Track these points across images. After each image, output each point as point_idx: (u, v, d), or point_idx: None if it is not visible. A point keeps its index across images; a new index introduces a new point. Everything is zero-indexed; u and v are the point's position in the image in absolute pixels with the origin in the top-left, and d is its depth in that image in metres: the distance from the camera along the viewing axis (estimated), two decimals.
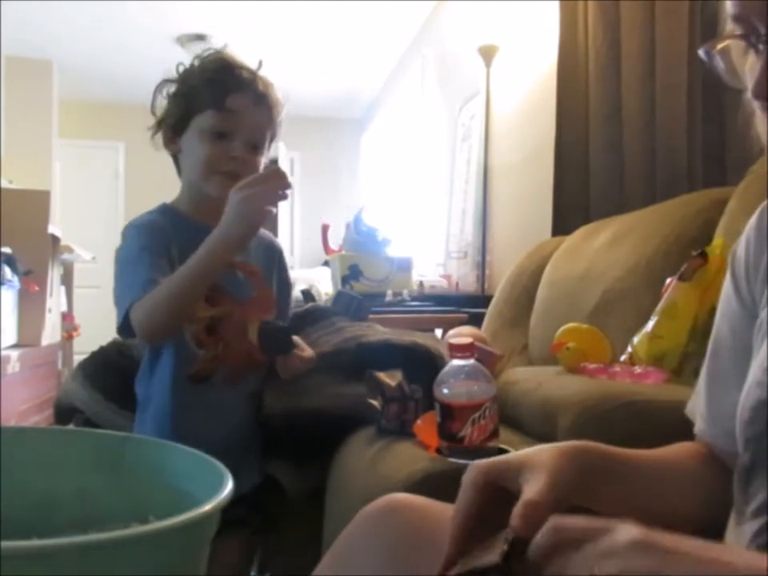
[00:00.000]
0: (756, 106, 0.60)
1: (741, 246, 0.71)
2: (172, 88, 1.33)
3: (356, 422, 1.38)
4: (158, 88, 1.35)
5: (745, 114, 0.64)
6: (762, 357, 0.62)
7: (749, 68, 0.60)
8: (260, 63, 1.31)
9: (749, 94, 0.59)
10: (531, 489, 0.53)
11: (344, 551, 0.70)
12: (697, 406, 0.75)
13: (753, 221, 0.70)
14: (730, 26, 0.60)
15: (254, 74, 1.29)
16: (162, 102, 1.34)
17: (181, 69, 1.34)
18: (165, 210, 1.33)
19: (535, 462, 0.56)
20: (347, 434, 1.39)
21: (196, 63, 1.33)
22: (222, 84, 1.27)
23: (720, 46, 0.61)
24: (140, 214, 1.34)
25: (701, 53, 0.62)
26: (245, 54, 1.32)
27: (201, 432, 1.24)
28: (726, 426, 0.66)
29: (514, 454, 0.59)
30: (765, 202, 0.70)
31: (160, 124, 1.33)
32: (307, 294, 2.89)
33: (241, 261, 1.31)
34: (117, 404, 1.44)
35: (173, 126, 1.30)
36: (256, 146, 1.29)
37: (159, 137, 1.33)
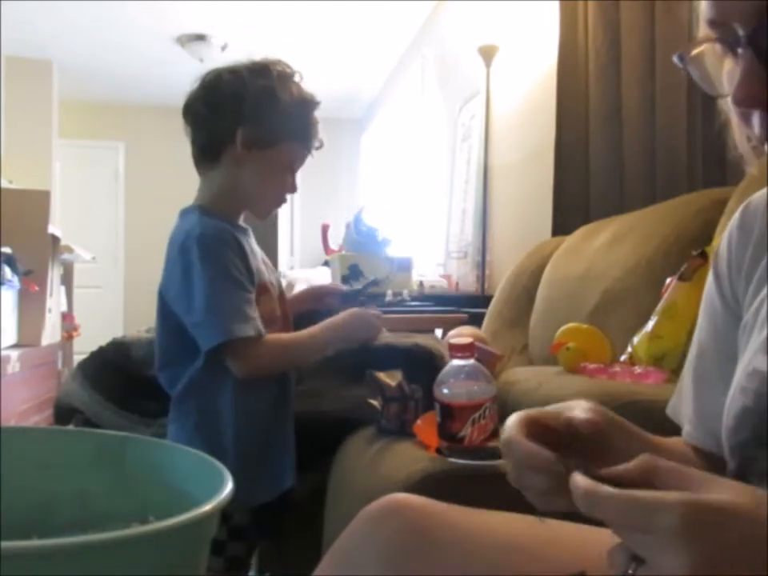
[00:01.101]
0: (734, 112, 0.58)
1: (723, 245, 0.70)
2: (264, 84, 1.25)
3: (357, 424, 1.38)
4: (247, 79, 1.26)
5: (719, 122, 0.63)
6: (745, 361, 0.61)
7: (726, 73, 0.58)
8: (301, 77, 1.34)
9: (729, 100, 0.56)
10: (579, 414, 0.58)
11: (344, 551, 0.70)
12: (683, 408, 0.74)
13: (735, 219, 0.69)
14: (705, 31, 0.58)
15: (316, 106, 1.33)
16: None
17: (271, 73, 1.28)
18: (211, 215, 1.27)
19: (571, 404, 0.60)
20: (348, 434, 1.39)
21: (288, 79, 1.29)
22: (311, 123, 1.31)
23: (695, 51, 0.59)
24: (190, 221, 1.25)
25: (675, 59, 0.60)
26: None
27: (281, 436, 1.31)
28: (713, 429, 0.66)
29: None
30: (746, 201, 0.69)
31: (243, 121, 1.24)
32: None
33: (264, 257, 1.38)
34: (116, 404, 1.44)
35: (261, 136, 1.25)
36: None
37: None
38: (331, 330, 1.31)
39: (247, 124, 1.24)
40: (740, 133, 0.60)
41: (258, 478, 1.24)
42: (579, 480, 0.45)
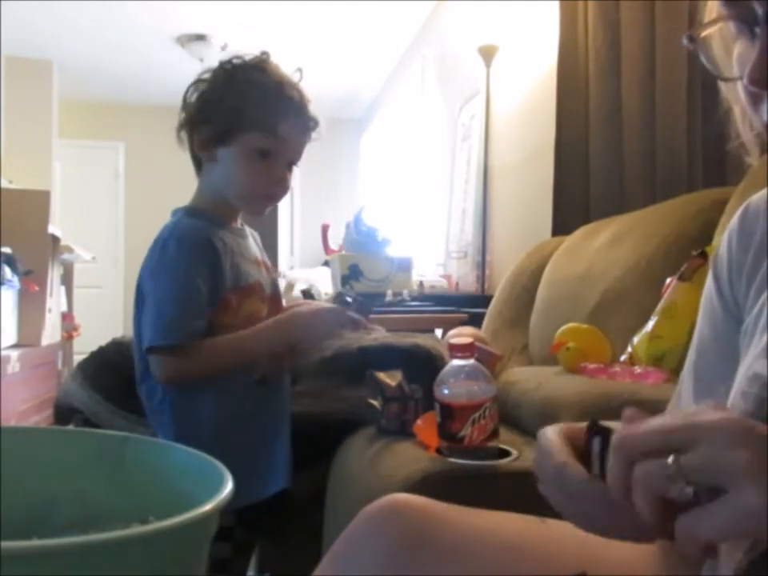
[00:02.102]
0: (742, 97, 0.56)
1: (723, 248, 0.69)
2: (206, 87, 1.26)
3: (357, 424, 1.38)
4: (195, 87, 1.27)
5: (721, 111, 0.62)
6: (746, 364, 0.61)
7: (738, 55, 0.57)
8: (300, 73, 1.30)
9: (731, 87, 0.55)
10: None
11: (344, 551, 0.70)
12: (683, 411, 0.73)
13: (735, 221, 0.68)
14: (717, 10, 0.57)
15: (302, 96, 1.27)
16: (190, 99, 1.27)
17: (219, 70, 1.26)
18: (196, 215, 1.27)
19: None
20: (348, 435, 1.39)
21: (240, 70, 1.26)
22: (274, 108, 1.24)
23: (708, 30, 0.58)
24: (173, 221, 1.26)
25: (684, 40, 0.59)
26: (246, 54, 1.31)
27: (269, 439, 1.28)
28: None
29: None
30: (745, 203, 0.69)
31: (193, 126, 1.26)
32: (307, 294, 2.89)
33: (262, 258, 1.36)
34: (116, 404, 1.44)
35: (213, 135, 1.24)
36: (293, 163, 1.30)
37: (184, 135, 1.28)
38: (272, 329, 1.26)
39: (198, 124, 1.25)
40: (743, 120, 0.59)
41: (241, 481, 1.23)
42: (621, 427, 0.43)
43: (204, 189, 1.31)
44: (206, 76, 1.27)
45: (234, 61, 1.27)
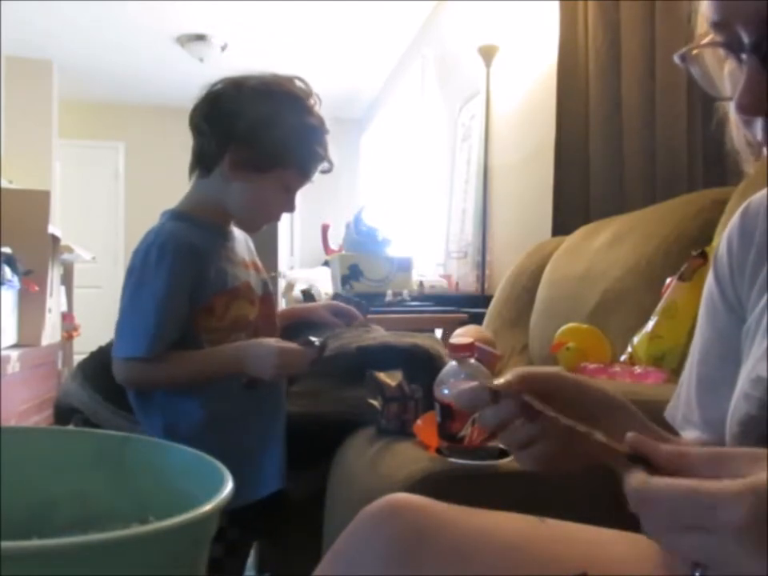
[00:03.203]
0: (735, 115, 0.57)
1: (722, 246, 0.69)
2: (253, 108, 1.22)
3: (357, 425, 1.38)
4: (236, 98, 1.23)
5: (717, 117, 0.63)
6: (748, 366, 0.60)
7: (728, 75, 0.57)
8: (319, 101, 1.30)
9: (732, 105, 0.56)
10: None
11: (345, 551, 0.70)
12: (688, 415, 0.72)
13: (735, 220, 0.68)
14: (706, 29, 0.57)
15: (326, 132, 1.30)
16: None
17: (265, 92, 1.23)
18: (182, 219, 1.27)
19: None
20: (348, 435, 1.39)
21: (289, 101, 1.24)
22: (313, 152, 1.27)
23: (696, 51, 0.58)
24: (158, 225, 1.25)
25: (676, 58, 0.59)
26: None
27: (261, 440, 1.28)
28: (722, 435, 0.64)
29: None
30: (746, 203, 0.69)
31: (231, 143, 1.22)
32: (307, 294, 2.89)
33: (252, 259, 1.37)
34: (116, 404, 1.44)
35: (252, 160, 1.23)
36: None
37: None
38: (231, 355, 1.24)
39: (239, 144, 1.22)
40: (738, 133, 0.59)
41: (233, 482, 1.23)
42: (633, 476, 0.39)
43: (199, 194, 1.30)
44: (250, 93, 1.23)
45: (298, 90, 1.26)
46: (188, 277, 1.20)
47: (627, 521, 0.72)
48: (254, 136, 1.22)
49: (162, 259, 1.19)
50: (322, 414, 1.39)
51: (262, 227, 1.35)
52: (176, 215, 1.28)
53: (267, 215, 1.32)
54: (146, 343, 1.18)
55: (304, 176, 1.29)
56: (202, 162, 1.28)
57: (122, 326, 1.22)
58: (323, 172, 1.33)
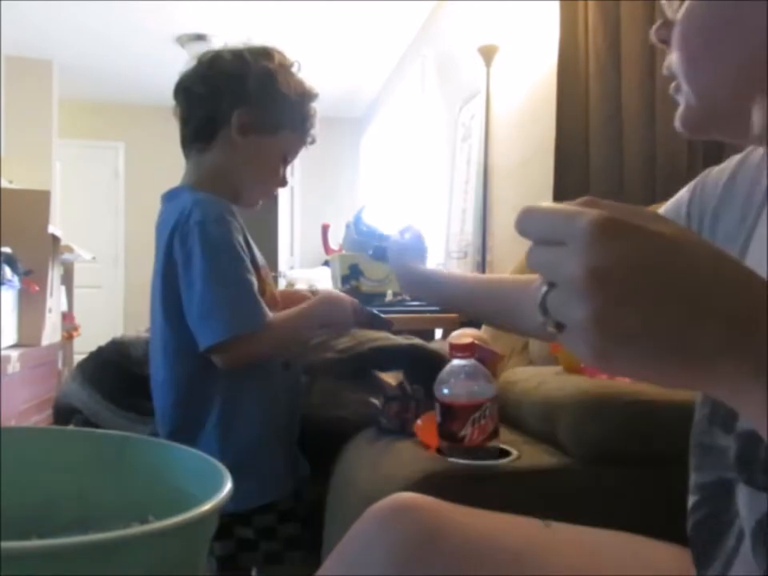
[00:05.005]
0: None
1: (712, 176, 0.70)
2: (263, 71, 1.20)
3: (357, 426, 1.38)
4: (243, 58, 1.21)
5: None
6: None
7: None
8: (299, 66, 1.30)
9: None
10: None
11: (351, 550, 0.70)
12: None
13: (735, 163, 0.69)
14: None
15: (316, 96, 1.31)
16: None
17: (267, 58, 1.23)
18: (208, 196, 1.18)
19: None
20: (349, 437, 1.39)
21: (286, 68, 1.24)
22: (311, 118, 1.28)
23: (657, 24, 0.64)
24: (191, 200, 1.15)
25: (652, 35, 0.66)
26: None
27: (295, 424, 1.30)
28: None
29: None
30: (743, 154, 0.69)
31: (242, 103, 1.19)
32: None
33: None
34: (116, 404, 1.44)
35: (261, 121, 1.21)
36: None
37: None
38: (311, 315, 1.23)
39: (246, 106, 1.19)
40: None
41: (286, 470, 1.26)
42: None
43: (200, 170, 1.25)
44: (250, 55, 1.22)
45: (285, 57, 1.27)
46: (244, 246, 1.18)
47: (627, 520, 0.73)
48: (261, 96, 1.20)
49: (225, 230, 1.13)
50: (335, 419, 1.40)
51: (259, 203, 1.32)
52: (198, 189, 1.21)
53: (269, 186, 1.31)
54: (256, 314, 1.12)
55: (302, 140, 1.29)
56: (205, 132, 1.22)
57: (210, 307, 1.10)
58: (310, 143, 1.32)
